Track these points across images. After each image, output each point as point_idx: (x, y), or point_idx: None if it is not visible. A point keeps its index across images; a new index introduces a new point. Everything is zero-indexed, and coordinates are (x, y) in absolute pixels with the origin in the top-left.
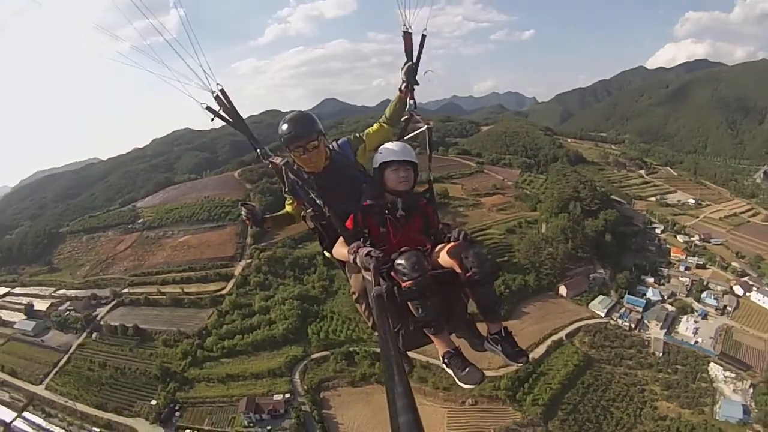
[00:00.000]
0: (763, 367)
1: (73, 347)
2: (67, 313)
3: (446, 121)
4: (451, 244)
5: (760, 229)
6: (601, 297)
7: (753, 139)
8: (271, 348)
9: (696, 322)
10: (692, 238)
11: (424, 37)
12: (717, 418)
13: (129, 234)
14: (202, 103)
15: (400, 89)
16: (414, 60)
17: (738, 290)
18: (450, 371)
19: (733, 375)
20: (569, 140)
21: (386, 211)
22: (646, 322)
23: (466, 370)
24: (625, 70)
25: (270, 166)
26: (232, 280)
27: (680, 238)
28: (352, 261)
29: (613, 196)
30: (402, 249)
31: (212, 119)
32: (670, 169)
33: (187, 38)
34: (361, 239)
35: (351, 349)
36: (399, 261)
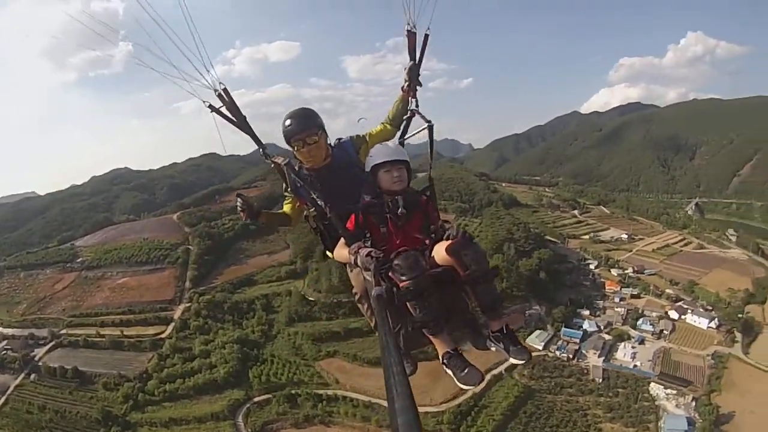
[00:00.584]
0: (703, 382)
1: (11, 388)
2: (4, 352)
3: None
4: (450, 241)
5: (693, 256)
6: (538, 332)
7: (684, 175)
8: (213, 392)
9: (633, 347)
10: (626, 271)
11: (426, 36)
12: None
13: (67, 273)
14: (204, 101)
15: (402, 89)
16: (417, 60)
17: (673, 314)
18: (449, 372)
19: (674, 392)
20: (504, 185)
21: (387, 210)
22: (583, 351)
23: (466, 370)
24: (559, 115)
25: (272, 165)
26: (172, 324)
27: (614, 272)
28: (352, 262)
29: (547, 237)
30: (400, 249)
31: (211, 111)
32: (603, 207)
33: (175, 37)
34: (362, 240)
35: (293, 391)
36: (396, 261)
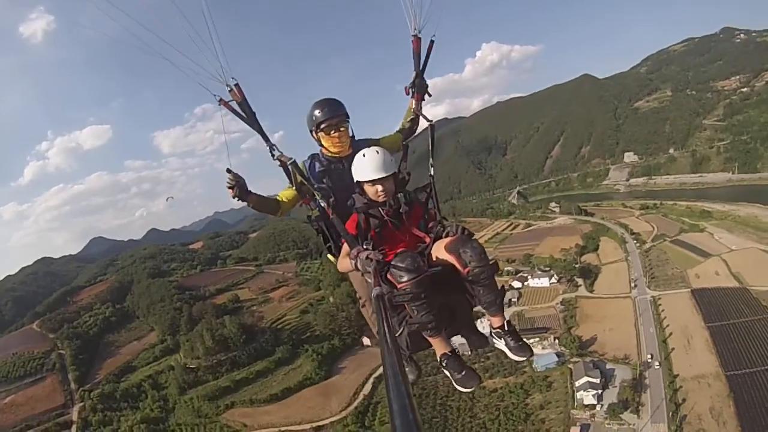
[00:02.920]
0: (560, 324)
1: None
2: None
3: (215, 237)
4: (449, 238)
5: (523, 235)
6: None
7: (500, 171)
8: None
9: (488, 320)
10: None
11: (432, 42)
12: (538, 370)
13: None
14: (215, 95)
15: (406, 93)
16: (420, 66)
17: (516, 284)
18: (447, 373)
19: (537, 339)
20: None
21: (389, 209)
22: None
23: (463, 372)
24: None
25: (279, 164)
26: (74, 426)
27: None
28: (353, 266)
29: None
30: (399, 251)
31: (219, 105)
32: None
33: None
34: (363, 243)
35: None
36: (394, 262)
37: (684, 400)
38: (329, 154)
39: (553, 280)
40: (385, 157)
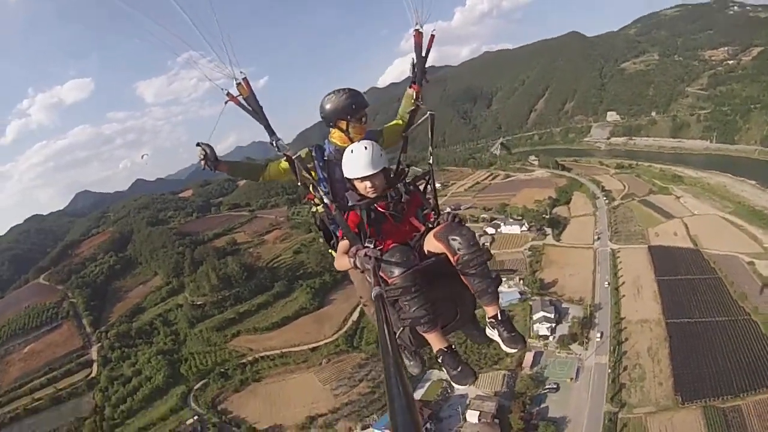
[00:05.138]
0: (525, 268)
1: None
2: None
3: (204, 185)
4: (439, 226)
5: (501, 185)
6: None
7: (485, 121)
8: (160, 395)
9: None
10: (444, 212)
11: (432, 36)
12: (502, 305)
13: None
14: (223, 89)
15: (410, 85)
16: (423, 55)
17: (489, 230)
18: (443, 369)
19: (504, 278)
20: None
21: (387, 203)
22: None
23: (459, 368)
24: None
25: (284, 158)
26: (95, 364)
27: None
28: (352, 264)
29: None
30: (390, 246)
31: (228, 100)
32: (414, 168)
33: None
34: (363, 239)
35: (221, 370)
36: (384, 258)
37: (626, 339)
38: (342, 146)
39: (524, 228)
40: (374, 152)
